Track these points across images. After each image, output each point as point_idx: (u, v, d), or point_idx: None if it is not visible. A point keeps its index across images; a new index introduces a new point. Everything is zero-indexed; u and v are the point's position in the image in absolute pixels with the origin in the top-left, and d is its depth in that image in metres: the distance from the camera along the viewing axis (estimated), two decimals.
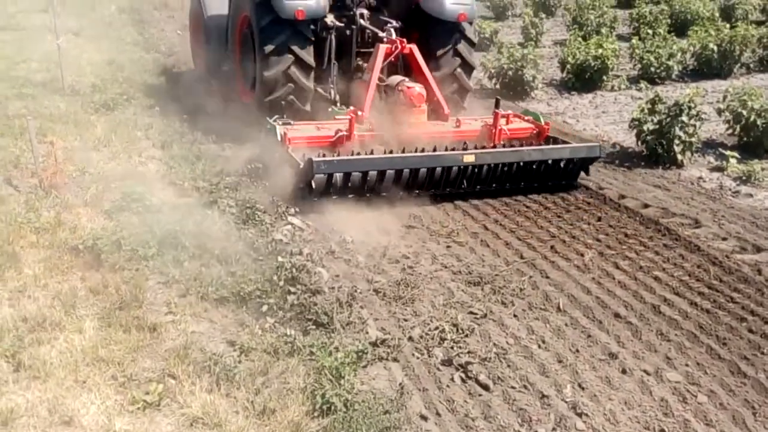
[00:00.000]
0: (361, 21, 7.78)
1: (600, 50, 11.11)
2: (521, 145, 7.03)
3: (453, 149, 6.70)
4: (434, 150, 6.60)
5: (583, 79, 11.25)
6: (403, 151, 6.52)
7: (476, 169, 6.58)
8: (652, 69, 11.55)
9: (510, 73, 10.63)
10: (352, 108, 7.06)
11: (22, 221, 5.37)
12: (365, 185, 6.31)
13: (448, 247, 5.79)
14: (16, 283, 4.59)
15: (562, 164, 6.91)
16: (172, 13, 16.79)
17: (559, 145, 7.05)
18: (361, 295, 4.83)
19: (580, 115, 10.08)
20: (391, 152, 6.49)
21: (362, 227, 6.05)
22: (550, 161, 6.82)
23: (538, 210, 6.61)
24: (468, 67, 8.05)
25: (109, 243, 5.08)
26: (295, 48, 7.22)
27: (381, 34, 7.47)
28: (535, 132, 7.33)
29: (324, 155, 6.25)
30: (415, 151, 6.55)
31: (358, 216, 6.24)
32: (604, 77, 11.33)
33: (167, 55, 12.41)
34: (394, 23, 7.62)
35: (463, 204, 6.64)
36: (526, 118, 7.55)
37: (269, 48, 7.17)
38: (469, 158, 6.44)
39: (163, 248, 5.16)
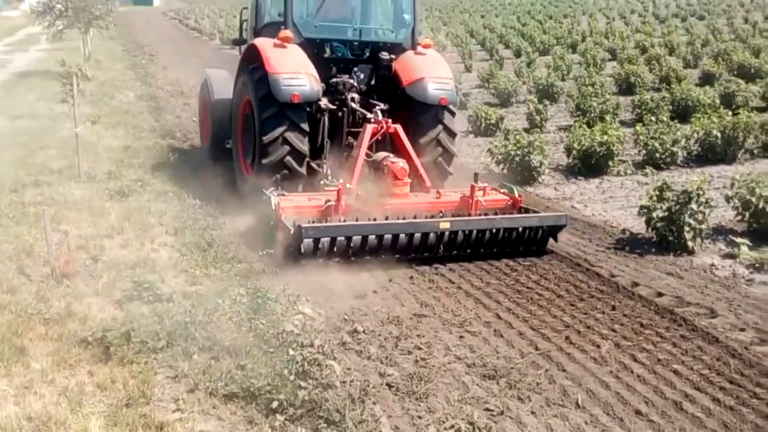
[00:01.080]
0: (352, 104, 8.59)
1: (605, 136, 11.31)
2: (495, 214, 7.68)
3: (431, 217, 7.43)
4: (414, 218, 7.32)
5: (589, 164, 11.41)
6: (385, 219, 7.20)
7: (452, 235, 7.26)
8: (657, 155, 11.71)
9: (517, 158, 10.79)
10: (341, 181, 7.59)
11: (31, 312, 5.35)
12: (349, 249, 6.94)
13: (461, 337, 5.70)
14: (23, 378, 4.53)
15: (531, 232, 7.62)
16: (188, 100, 17.31)
17: (528, 214, 7.77)
18: (374, 390, 4.72)
19: (587, 200, 10.16)
20: (374, 220, 7.14)
21: (374, 316, 6.00)
22: (520, 228, 7.54)
23: (551, 298, 6.55)
24: (448, 155, 8.81)
25: (118, 335, 5.04)
26: (290, 137, 7.98)
27: (369, 115, 8.27)
28: (509, 203, 8.03)
29: (312, 222, 6.90)
30: (396, 219, 7.21)
31: (370, 304, 6.20)
32: (610, 162, 11.48)
33: (182, 141, 12.72)
34: (382, 106, 8.49)
35: (476, 293, 6.59)
36: (501, 190, 8.22)
37: (268, 127, 7.92)
38: (444, 225, 7.20)
39: (172, 340, 5.12)
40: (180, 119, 14.98)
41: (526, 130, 15.19)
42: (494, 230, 7.40)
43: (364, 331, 5.67)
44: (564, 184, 11.06)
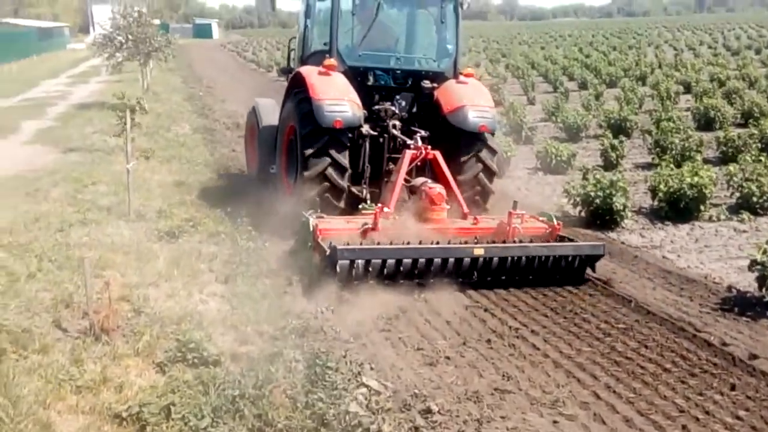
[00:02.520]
0: (393, 131, 8.74)
1: (696, 178, 10.24)
2: (530, 242, 7.55)
3: (466, 243, 7.35)
4: (448, 243, 7.26)
5: (678, 208, 10.32)
6: (420, 243, 7.10)
7: (487, 261, 7.19)
8: (754, 198, 10.55)
9: (597, 201, 9.81)
10: (379, 205, 7.73)
11: (63, 378, 4.71)
12: (384, 272, 6.91)
13: (555, 422, 4.78)
14: None
15: (567, 260, 7.53)
16: (242, 132, 16.98)
17: (564, 243, 7.71)
18: None
19: (680, 249, 9.08)
20: (408, 243, 7.08)
21: (449, 390, 5.14)
22: (555, 256, 7.42)
23: (656, 372, 5.55)
24: (489, 172, 8.79)
25: (156, 410, 4.34)
26: (332, 152, 8.10)
27: (409, 141, 8.42)
28: (548, 231, 7.90)
29: (348, 244, 6.88)
30: (430, 243, 7.15)
31: (443, 374, 5.36)
32: (701, 207, 10.37)
33: (237, 176, 12.21)
34: (423, 133, 8.65)
35: (566, 363, 5.66)
36: (540, 218, 8.14)
37: (309, 151, 8.07)
38: (478, 251, 7.11)
39: (218, 417, 4.38)
40: (235, 153, 14.54)
41: (601, 167, 14.27)
42: (529, 258, 7.33)
43: (439, 411, 4.81)
44: (650, 229, 9.99)
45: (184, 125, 17.94)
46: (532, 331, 6.30)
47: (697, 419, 4.85)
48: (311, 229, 7.09)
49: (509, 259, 7.27)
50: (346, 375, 5.05)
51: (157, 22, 34.76)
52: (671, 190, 10.28)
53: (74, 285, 6.24)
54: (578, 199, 10.10)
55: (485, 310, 6.78)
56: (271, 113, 10.29)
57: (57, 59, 48.27)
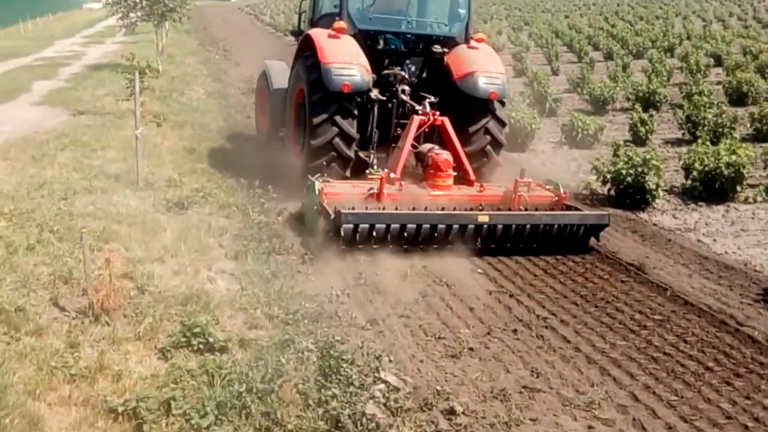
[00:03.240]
0: (402, 96, 8.58)
1: (734, 156, 9.65)
2: (536, 210, 7.55)
3: (471, 209, 7.37)
4: (453, 209, 7.29)
5: (712, 188, 9.76)
6: (425, 209, 7.14)
7: (491, 229, 7.16)
8: None
9: (629, 179, 9.27)
10: (386, 170, 7.74)
11: (56, 364, 4.35)
12: (388, 237, 6.89)
13: (591, 428, 4.37)
14: None
15: (572, 230, 7.48)
16: None
17: (569, 212, 7.68)
18: None
19: (715, 232, 8.55)
20: (413, 209, 7.12)
21: (474, 387, 4.74)
22: (560, 225, 7.40)
23: (698, 371, 5.11)
24: (497, 144, 8.65)
25: (155, 405, 3.97)
26: (340, 121, 7.93)
27: (418, 107, 8.24)
28: (554, 199, 7.84)
29: (353, 208, 6.86)
30: (436, 210, 7.17)
31: (467, 368, 4.96)
32: (738, 187, 9.80)
33: (250, 144, 11.73)
34: (432, 98, 8.42)
35: (600, 358, 5.23)
36: (546, 187, 8.04)
37: (318, 120, 7.91)
38: (483, 218, 7.11)
39: (222, 414, 4.01)
40: (250, 119, 14.00)
41: (628, 143, 13.67)
42: (533, 226, 7.28)
43: (463, 412, 4.41)
44: (683, 210, 9.45)
45: (198, 89, 17.43)
46: (562, 321, 5.87)
47: (746, 427, 4.42)
48: (317, 192, 7.05)
49: (513, 226, 7.23)
50: (363, 368, 4.66)
51: None
52: (707, 169, 9.71)
53: (75, 259, 5.86)
54: (608, 176, 9.56)
55: (511, 296, 6.35)
56: (281, 76, 10.07)
57: (73, 19, 47.64)
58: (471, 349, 5.29)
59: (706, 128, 13.41)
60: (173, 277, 5.90)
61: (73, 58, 23.75)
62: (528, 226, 7.26)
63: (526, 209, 7.53)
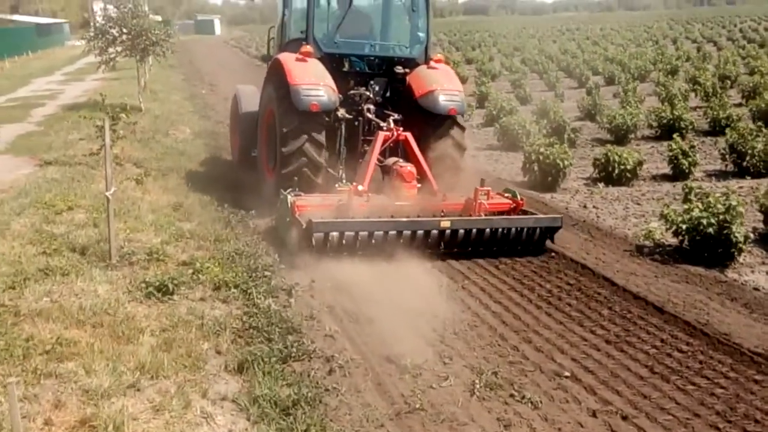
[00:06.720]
0: (368, 114, 9.07)
1: None
2: (494, 215, 7.98)
3: (433, 216, 7.73)
4: (417, 216, 7.62)
5: None
6: (391, 217, 7.48)
7: (453, 234, 7.61)
8: None
9: (710, 230, 7.64)
10: (354, 183, 8.12)
11: None
12: (356, 244, 7.20)
13: None
14: None
15: (528, 232, 7.92)
16: None
17: (524, 216, 8.09)
18: None
19: None
20: (379, 217, 7.45)
21: None
22: (516, 228, 7.85)
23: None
24: (459, 148, 9.14)
25: None
26: (309, 130, 8.33)
27: (383, 124, 8.70)
28: (512, 206, 8.31)
29: (323, 218, 7.19)
30: (401, 217, 7.49)
31: None
32: None
33: (247, 195, 10.01)
34: (395, 116, 8.88)
35: None
36: (505, 194, 8.50)
37: (287, 130, 8.33)
38: (445, 224, 7.56)
39: None
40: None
41: (669, 178, 12.20)
42: (492, 230, 7.74)
43: None
44: None
45: (184, 128, 15.77)
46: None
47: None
48: (289, 205, 7.39)
49: (473, 230, 7.65)
50: None
51: (158, 18, 32.50)
52: None
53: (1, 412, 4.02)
54: (683, 226, 7.92)
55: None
56: (251, 99, 10.64)
57: (54, 56, 46.03)
58: None
59: (755, 159, 11.98)
60: (152, 418, 4.11)
61: (49, 98, 22.11)
62: (487, 230, 7.71)
63: (485, 215, 7.89)
